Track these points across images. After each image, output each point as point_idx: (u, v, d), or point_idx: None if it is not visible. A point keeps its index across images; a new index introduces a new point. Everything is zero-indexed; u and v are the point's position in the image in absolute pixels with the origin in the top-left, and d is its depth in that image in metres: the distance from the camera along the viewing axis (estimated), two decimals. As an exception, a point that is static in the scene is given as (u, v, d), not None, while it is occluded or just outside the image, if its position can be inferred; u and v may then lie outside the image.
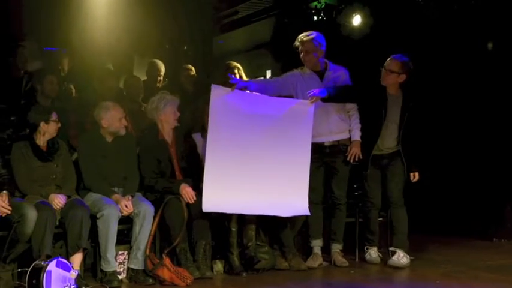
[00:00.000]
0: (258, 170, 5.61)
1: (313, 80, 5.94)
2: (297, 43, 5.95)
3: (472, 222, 7.63)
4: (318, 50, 5.91)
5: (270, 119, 5.70)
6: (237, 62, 7.04)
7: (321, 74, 5.98)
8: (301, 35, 5.95)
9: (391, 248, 6.08)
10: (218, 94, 5.53)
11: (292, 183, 5.72)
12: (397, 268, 5.90)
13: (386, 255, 6.16)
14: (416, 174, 6.04)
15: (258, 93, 5.79)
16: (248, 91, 5.71)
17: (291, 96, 5.95)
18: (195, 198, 5.47)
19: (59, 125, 5.41)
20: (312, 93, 5.71)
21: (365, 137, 6.00)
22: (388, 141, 6.01)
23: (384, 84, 6.02)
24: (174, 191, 5.54)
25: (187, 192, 5.49)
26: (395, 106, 5.98)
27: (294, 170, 5.72)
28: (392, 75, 5.97)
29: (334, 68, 6.03)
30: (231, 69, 6.96)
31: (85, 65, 7.64)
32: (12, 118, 6.26)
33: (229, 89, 5.60)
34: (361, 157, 5.96)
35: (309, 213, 5.78)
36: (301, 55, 5.96)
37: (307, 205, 5.74)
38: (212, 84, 5.58)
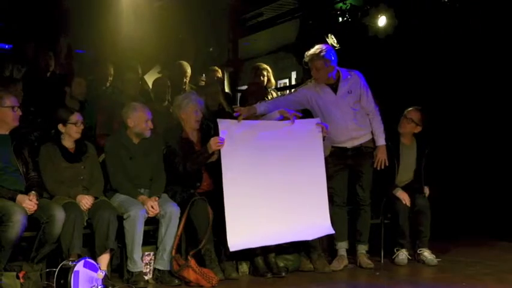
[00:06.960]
0: (277, 198, 5.56)
1: (328, 94, 5.87)
2: (306, 59, 5.84)
3: (499, 224, 7.56)
4: (328, 66, 5.78)
5: (280, 143, 5.65)
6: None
7: (334, 86, 5.87)
8: (309, 52, 5.81)
9: (419, 250, 6.15)
10: (225, 127, 5.49)
11: (312, 204, 5.69)
12: (428, 265, 6.01)
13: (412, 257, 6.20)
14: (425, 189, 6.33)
15: (264, 121, 5.76)
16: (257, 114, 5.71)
17: (307, 111, 5.94)
18: None
19: (82, 127, 5.43)
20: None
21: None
22: (404, 177, 6.31)
23: (401, 131, 6.30)
24: (204, 154, 5.54)
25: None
26: (410, 152, 6.30)
27: (312, 191, 5.69)
28: (411, 124, 6.26)
29: (347, 75, 5.91)
30: (260, 71, 6.98)
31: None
32: (39, 120, 6.33)
33: (235, 121, 5.56)
34: (387, 163, 5.96)
35: (333, 232, 5.78)
36: (312, 72, 5.87)
37: (330, 224, 5.74)
38: (218, 119, 5.56)
